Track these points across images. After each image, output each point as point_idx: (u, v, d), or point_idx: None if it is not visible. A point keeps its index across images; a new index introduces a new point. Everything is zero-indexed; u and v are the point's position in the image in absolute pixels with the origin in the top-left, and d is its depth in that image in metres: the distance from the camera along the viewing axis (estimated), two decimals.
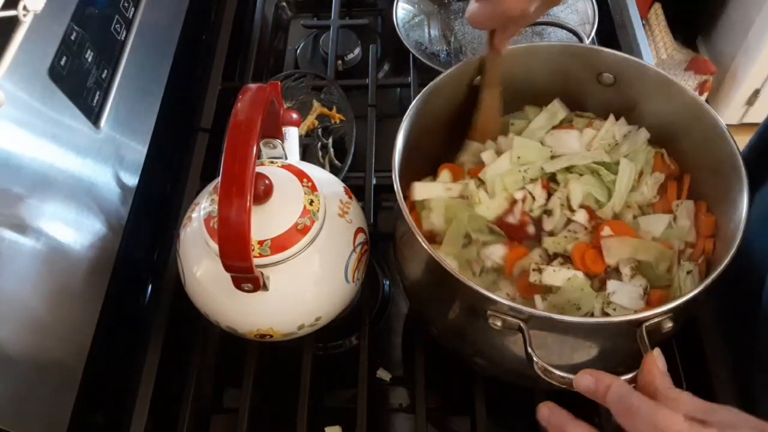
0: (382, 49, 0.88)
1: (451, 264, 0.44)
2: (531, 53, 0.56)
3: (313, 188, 0.50)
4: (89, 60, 0.57)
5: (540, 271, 0.49)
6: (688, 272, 0.49)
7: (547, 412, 0.41)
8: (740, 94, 1.71)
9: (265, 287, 0.47)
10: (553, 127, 0.58)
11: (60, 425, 0.50)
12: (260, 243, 0.47)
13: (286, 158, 0.55)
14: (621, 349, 0.45)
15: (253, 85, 0.44)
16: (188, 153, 0.73)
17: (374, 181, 0.68)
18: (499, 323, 0.42)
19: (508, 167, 0.54)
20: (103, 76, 0.59)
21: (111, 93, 0.60)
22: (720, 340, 0.57)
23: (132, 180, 0.64)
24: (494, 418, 0.56)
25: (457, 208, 0.54)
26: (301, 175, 0.51)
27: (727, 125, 0.49)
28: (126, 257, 0.60)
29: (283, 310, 0.51)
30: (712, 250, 0.50)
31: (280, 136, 0.54)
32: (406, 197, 0.53)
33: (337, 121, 0.74)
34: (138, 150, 0.65)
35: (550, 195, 0.54)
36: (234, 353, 0.60)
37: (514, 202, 0.53)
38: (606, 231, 0.51)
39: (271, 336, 0.52)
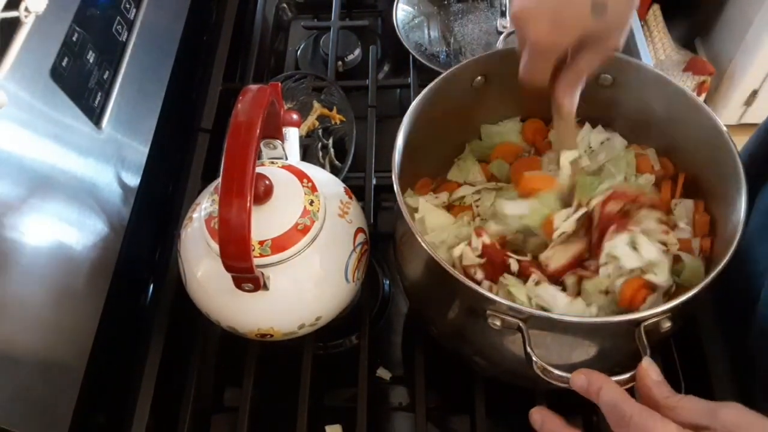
0: (382, 50, 0.88)
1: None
2: None
3: (313, 188, 0.51)
4: (91, 61, 0.57)
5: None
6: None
7: (539, 418, 0.41)
8: (738, 94, 1.71)
9: (265, 287, 0.47)
10: None
11: (61, 425, 0.50)
12: (261, 243, 0.47)
13: (287, 159, 0.55)
14: (620, 349, 0.45)
15: (253, 86, 0.45)
16: (189, 153, 0.73)
17: (374, 182, 0.68)
18: (498, 323, 0.42)
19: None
20: (105, 76, 0.59)
21: (112, 94, 0.60)
22: (720, 340, 0.57)
23: (133, 180, 0.64)
24: (494, 418, 0.56)
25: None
26: (301, 175, 0.51)
27: (725, 126, 0.50)
28: (127, 257, 0.60)
29: (283, 309, 0.51)
30: (710, 249, 0.50)
31: (280, 136, 0.54)
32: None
33: (338, 122, 0.75)
34: (139, 150, 0.66)
35: None
36: (234, 353, 0.60)
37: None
38: None
39: (272, 336, 0.52)
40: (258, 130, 0.42)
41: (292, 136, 0.58)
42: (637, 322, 0.41)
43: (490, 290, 0.49)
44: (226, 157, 0.41)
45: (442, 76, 0.54)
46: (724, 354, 0.57)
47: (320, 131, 0.74)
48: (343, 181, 0.59)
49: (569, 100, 0.51)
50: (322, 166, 0.70)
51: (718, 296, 0.58)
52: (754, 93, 1.70)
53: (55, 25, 0.53)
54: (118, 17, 0.62)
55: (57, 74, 0.52)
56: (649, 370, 0.39)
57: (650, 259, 0.48)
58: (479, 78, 0.57)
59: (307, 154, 0.72)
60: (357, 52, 0.86)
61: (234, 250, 0.42)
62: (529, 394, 0.56)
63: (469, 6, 0.83)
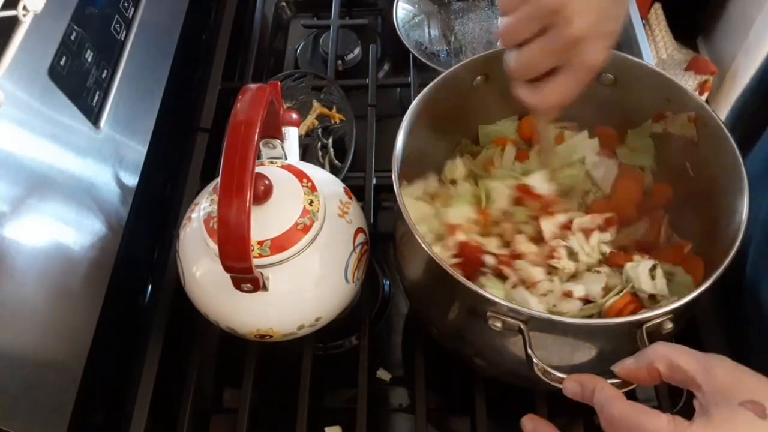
0: (382, 49, 0.88)
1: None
2: None
3: (313, 188, 0.50)
4: (89, 60, 0.57)
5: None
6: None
7: (530, 425, 0.41)
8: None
9: (264, 287, 0.47)
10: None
11: (60, 425, 0.50)
12: (260, 243, 0.47)
13: (286, 158, 0.55)
14: (621, 351, 0.44)
15: (252, 85, 0.44)
16: (188, 153, 0.73)
17: (374, 181, 0.68)
18: (499, 324, 0.42)
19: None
20: (103, 76, 0.59)
21: (111, 93, 0.60)
22: (720, 340, 0.57)
23: (132, 180, 0.64)
24: (494, 418, 0.55)
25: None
26: (300, 175, 0.51)
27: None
28: (126, 257, 0.60)
29: (282, 310, 0.51)
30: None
31: (279, 136, 0.54)
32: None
33: (337, 121, 0.74)
34: (138, 150, 0.65)
35: None
36: (234, 353, 0.60)
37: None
38: None
39: (271, 336, 0.52)
40: (257, 130, 0.42)
41: (292, 135, 0.58)
42: (639, 324, 0.41)
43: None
44: (225, 157, 0.41)
45: (442, 75, 0.54)
46: (724, 354, 0.56)
47: (320, 131, 0.74)
48: (343, 180, 0.59)
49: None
50: (322, 166, 0.69)
51: (718, 297, 0.58)
52: None
53: (53, 24, 0.52)
54: (117, 16, 0.62)
55: (55, 73, 0.52)
56: (622, 366, 0.40)
57: (661, 291, 0.49)
58: (480, 77, 0.56)
59: (306, 154, 0.72)
60: (357, 50, 0.86)
61: (233, 251, 0.42)
62: (530, 395, 0.56)
63: (469, 5, 0.82)
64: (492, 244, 0.53)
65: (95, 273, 0.56)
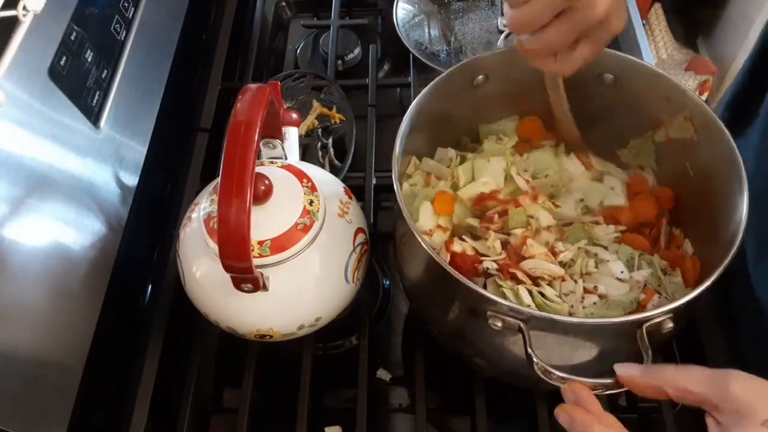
0: (382, 48, 0.88)
1: None
2: None
3: (313, 188, 0.50)
4: (89, 60, 0.57)
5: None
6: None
7: (566, 417, 0.39)
8: None
9: (264, 287, 0.47)
10: None
11: (60, 425, 0.50)
12: (260, 243, 0.47)
13: (286, 158, 0.55)
14: (621, 350, 0.44)
15: (252, 85, 0.44)
16: (188, 153, 0.73)
17: (374, 181, 0.68)
18: (499, 324, 0.42)
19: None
20: (103, 76, 0.59)
21: (111, 93, 0.60)
22: (720, 340, 0.57)
23: (132, 180, 0.64)
24: (494, 418, 0.55)
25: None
26: (300, 175, 0.51)
27: None
28: (126, 257, 0.60)
29: (282, 310, 0.50)
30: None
31: (279, 136, 0.54)
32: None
33: (337, 121, 0.74)
34: (138, 150, 0.65)
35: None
36: (234, 353, 0.60)
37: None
38: None
39: (271, 336, 0.52)
40: (257, 130, 0.42)
41: (292, 135, 0.58)
42: (639, 323, 0.41)
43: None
44: (226, 157, 0.41)
45: (442, 75, 0.54)
46: (725, 354, 0.56)
47: (320, 130, 0.74)
48: (343, 180, 0.59)
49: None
50: (322, 166, 0.69)
51: (718, 297, 0.58)
52: None
53: (53, 24, 0.52)
54: (117, 16, 0.62)
55: (55, 73, 0.52)
56: (625, 372, 0.39)
57: (638, 280, 0.50)
58: (480, 77, 0.56)
59: (306, 154, 0.72)
60: (357, 50, 0.86)
61: (233, 251, 0.41)
62: (530, 395, 0.56)
63: (469, 5, 0.82)
64: (490, 250, 0.53)
65: (95, 273, 0.56)
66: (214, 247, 0.46)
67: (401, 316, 0.67)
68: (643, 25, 0.89)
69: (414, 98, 0.52)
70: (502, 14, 0.80)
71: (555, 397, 0.52)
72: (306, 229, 0.48)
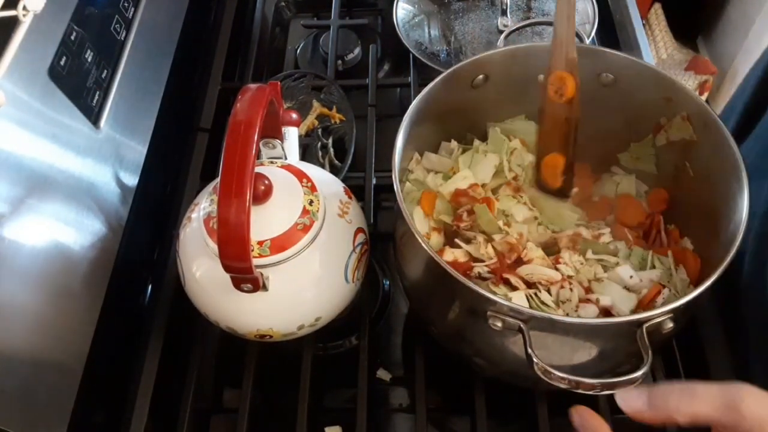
0: (382, 48, 0.88)
1: None
2: (531, 53, 0.56)
3: (313, 188, 0.50)
4: (89, 60, 0.57)
5: None
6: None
7: (578, 418, 0.39)
8: None
9: (264, 287, 0.47)
10: None
11: (60, 425, 0.50)
12: (260, 243, 0.47)
13: (286, 158, 0.55)
14: (621, 350, 0.44)
15: (252, 85, 0.44)
16: (188, 153, 0.73)
17: (374, 181, 0.68)
18: (499, 324, 0.42)
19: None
20: (103, 76, 0.59)
21: (111, 93, 0.60)
22: (720, 339, 0.57)
23: (132, 180, 0.64)
24: (494, 418, 0.55)
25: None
26: (300, 175, 0.51)
27: None
28: (126, 257, 0.60)
29: (282, 310, 0.50)
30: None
31: (279, 136, 0.54)
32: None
33: (337, 121, 0.74)
34: (138, 150, 0.65)
35: None
36: (234, 353, 0.60)
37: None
38: None
39: (271, 336, 0.52)
40: (257, 130, 0.42)
41: (292, 135, 0.58)
42: (639, 323, 0.41)
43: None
44: (225, 157, 0.41)
45: (442, 75, 0.54)
46: (725, 353, 0.56)
47: (320, 130, 0.74)
48: (343, 180, 0.59)
49: None
50: (322, 166, 0.69)
51: (718, 296, 0.58)
52: None
53: (53, 24, 0.52)
54: (117, 16, 0.62)
55: (55, 73, 0.52)
56: (631, 406, 0.37)
57: (651, 279, 0.50)
58: (480, 77, 0.56)
59: (306, 154, 0.72)
60: (357, 50, 0.86)
61: (233, 251, 0.41)
62: (529, 395, 0.56)
63: (469, 4, 0.82)
64: (484, 255, 0.53)
65: (95, 273, 0.56)
66: (214, 247, 0.46)
67: (401, 316, 0.67)
68: (643, 25, 0.89)
69: (414, 98, 0.52)
70: (502, 14, 0.80)
71: (555, 397, 0.53)
72: (306, 229, 0.48)
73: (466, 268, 0.52)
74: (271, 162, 0.53)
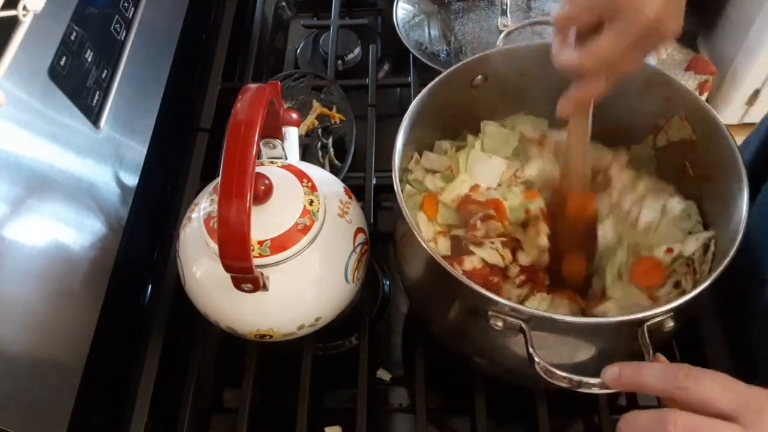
0: (382, 48, 0.88)
1: None
2: (530, 53, 0.56)
3: (313, 188, 0.50)
4: (89, 60, 0.57)
5: None
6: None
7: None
8: (740, 94, 1.70)
9: (264, 287, 0.47)
10: None
11: (60, 425, 0.50)
12: (260, 243, 0.47)
13: (286, 158, 0.55)
14: (622, 349, 0.44)
15: (252, 85, 0.44)
16: (188, 153, 0.73)
17: (374, 181, 0.68)
18: (500, 324, 0.42)
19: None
20: (103, 76, 0.59)
21: (111, 93, 0.60)
22: (720, 339, 0.57)
23: (132, 180, 0.64)
24: (494, 418, 0.55)
25: None
26: (300, 175, 0.51)
27: (727, 125, 0.49)
28: (126, 257, 0.60)
29: (282, 310, 0.50)
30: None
31: (279, 136, 0.54)
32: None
33: (337, 121, 0.74)
34: (138, 150, 0.65)
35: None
36: (234, 353, 0.60)
37: None
38: None
39: (271, 336, 0.52)
40: (257, 130, 0.42)
41: (292, 135, 0.58)
42: (639, 322, 0.41)
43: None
44: (226, 157, 0.41)
45: (442, 75, 0.54)
46: (725, 353, 0.56)
47: (320, 130, 0.74)
48: (343, 180, 0.59)
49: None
50: (322, 166, 0.69)
51: (719, 296, 0.58)
52: (756, 93, 1.69)
53: (53, 24, 0.52)
54: (117, 16, 0.62)
55: (55, 73, 0.52)
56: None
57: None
58: (480, 77, 0.56)
59: (306, 154, 0.72)
60: (357, 50, 0.86)
61: (233, 251, 0.42)
62: (530, 395, 0.56)
63: (469, 4, 0.82)
64: (504, 259, 0.52)
65: (95, 273, 0.56)
66: (214, 247, 0.46)
67: (401, 316, 0.67)
68: None
69: (414, 98, 0.52)
70: (502, 14, 0.80)
71: (555, 397, 0.53)
72: (306, 229, 0.48)
73: (484, 274, 0.51)
74: (272, 162, 0.53)
